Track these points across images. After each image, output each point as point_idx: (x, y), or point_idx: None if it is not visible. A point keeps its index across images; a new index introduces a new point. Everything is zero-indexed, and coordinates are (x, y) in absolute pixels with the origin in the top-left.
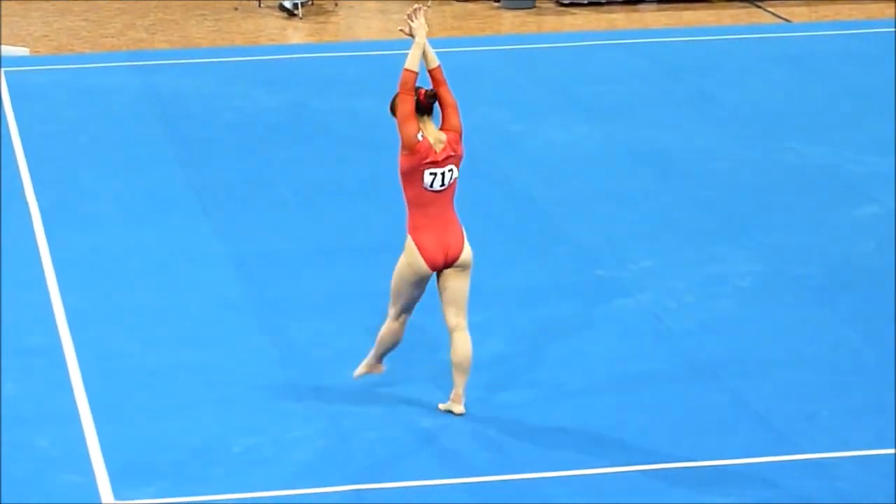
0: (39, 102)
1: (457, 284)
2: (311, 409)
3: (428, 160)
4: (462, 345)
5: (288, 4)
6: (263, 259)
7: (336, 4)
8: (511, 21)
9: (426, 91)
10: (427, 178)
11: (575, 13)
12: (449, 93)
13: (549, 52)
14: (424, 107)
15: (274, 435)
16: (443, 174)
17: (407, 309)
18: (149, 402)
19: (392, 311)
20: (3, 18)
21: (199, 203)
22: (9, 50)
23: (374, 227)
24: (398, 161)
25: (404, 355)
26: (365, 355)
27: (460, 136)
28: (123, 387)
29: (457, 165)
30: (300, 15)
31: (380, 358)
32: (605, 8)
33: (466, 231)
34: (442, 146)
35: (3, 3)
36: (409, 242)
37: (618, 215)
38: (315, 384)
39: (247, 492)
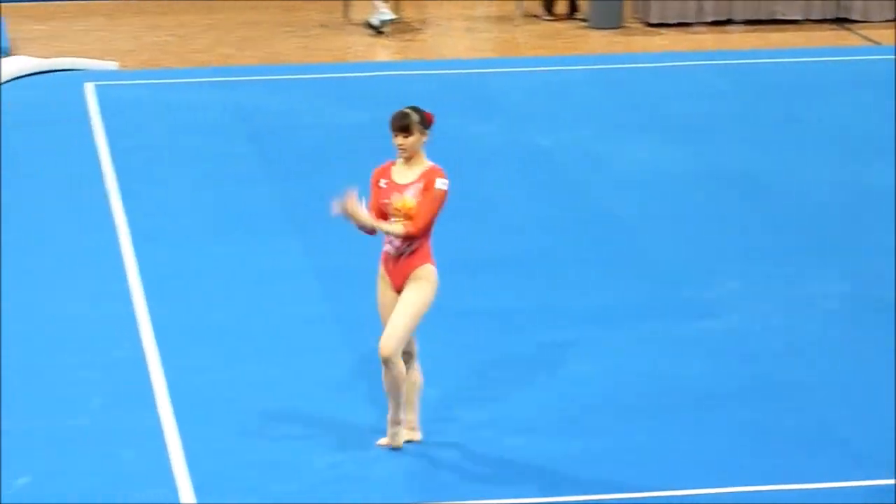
0: (127, 117)
1: None
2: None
3: None
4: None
5: (375, 22)
6: (349, 275)
7: (423, 23)
8: (598, 41)
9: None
10: None
11: (663, 34)
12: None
13: (636, 72)
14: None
15: (357, 451)
16: None
17: None
18: (232, 416)
19: (415, 348)
20: (92, 33)
21: (285, 218)
22: (98, 64)
23: (457, 245)
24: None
25: (484, 373)
26: (453, 373)
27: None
28: (207, 401)
29: None
30: (387, 32)
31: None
32: (693, 28)
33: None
34: None
35: (93, 18)
36: (433, 269)
37: (703, 235)
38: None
39: None
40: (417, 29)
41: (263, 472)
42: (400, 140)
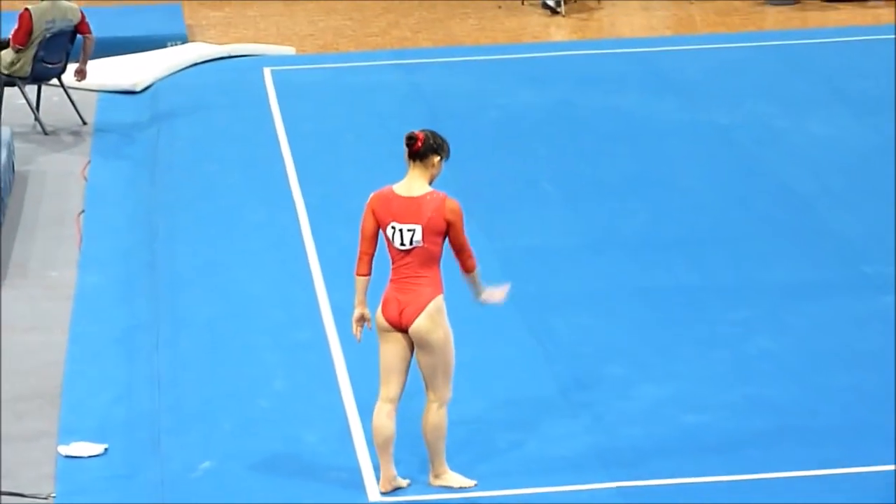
0: (305, 101)
1: (420, 358)
2: (574, 405)
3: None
4: (427, 417)
5: (551, 2)
6: (528, 255)
7: (599, 2)
8: (774, 17)
9: (424, 135)
10: (389, 232)
11: (840, 8)
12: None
13: (813, 48)
14: (413, 153)
15: (538, 430)
16: (401, 231)
17: (385, 380)
18: (414, 398)
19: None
20: (268, 18)
21: (463, 199)
22: (275, 49)
23: (637, 223)
24: None
25: (667, 350)
26: (636, 351)
27: (446, 214)
28: None
29: (425, 229)
30: (563, 12)
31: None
32: (870, 3)
33: None
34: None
35: (269, 4)
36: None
37: (884, 210)
38: (580, 380)
39: (511, 488)
40: (593, 8)
41: (446, 451)
42: None
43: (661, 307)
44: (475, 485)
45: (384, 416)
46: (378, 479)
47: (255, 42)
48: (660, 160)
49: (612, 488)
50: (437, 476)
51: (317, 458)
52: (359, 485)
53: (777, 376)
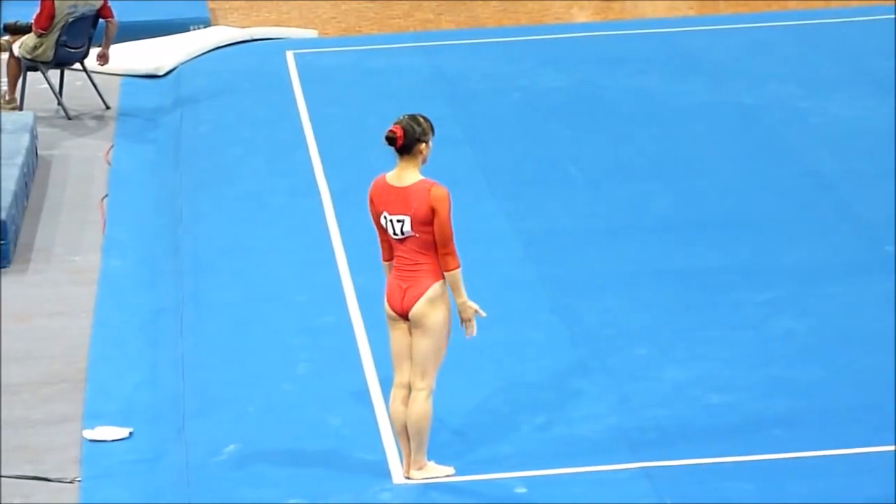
0: (328, 84)
1: (416, 342)
2: (599, 387)
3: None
4: (412, 406)
5: None
6: (551, 237)
7: None
8: None
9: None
10: (382, 222)
11: None
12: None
13: (836, 27)
14: (397, 149)
15: (563, 413)
16: (392, 222)
17: (397, 366)
18: (438, 381)
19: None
20: (291, 2)
21: (486, 182)
22: (297, 32)
23: (661, 205)
24: None
25: (689, 333)
26: (658, 333)
27: (431, 202)
28: None
29: (413, 219)
30: None
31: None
32: None
33: None
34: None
35: None
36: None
37: None
38: (604, 363)
39: (536, 469)
40: None
41: (469, 436)
42: None
43: (686, 289)
44: (454, 471)
45: (399, 403)
46: (402, 462)
47: (277, 25)
48: (683, 141)
49: (637, 469)
50: (420, 468)
51: (341, 441)
52: (383, 468)
53: (801, 357)
